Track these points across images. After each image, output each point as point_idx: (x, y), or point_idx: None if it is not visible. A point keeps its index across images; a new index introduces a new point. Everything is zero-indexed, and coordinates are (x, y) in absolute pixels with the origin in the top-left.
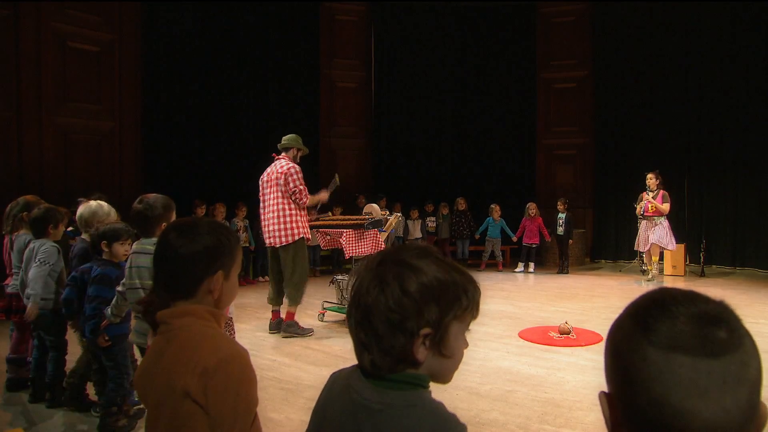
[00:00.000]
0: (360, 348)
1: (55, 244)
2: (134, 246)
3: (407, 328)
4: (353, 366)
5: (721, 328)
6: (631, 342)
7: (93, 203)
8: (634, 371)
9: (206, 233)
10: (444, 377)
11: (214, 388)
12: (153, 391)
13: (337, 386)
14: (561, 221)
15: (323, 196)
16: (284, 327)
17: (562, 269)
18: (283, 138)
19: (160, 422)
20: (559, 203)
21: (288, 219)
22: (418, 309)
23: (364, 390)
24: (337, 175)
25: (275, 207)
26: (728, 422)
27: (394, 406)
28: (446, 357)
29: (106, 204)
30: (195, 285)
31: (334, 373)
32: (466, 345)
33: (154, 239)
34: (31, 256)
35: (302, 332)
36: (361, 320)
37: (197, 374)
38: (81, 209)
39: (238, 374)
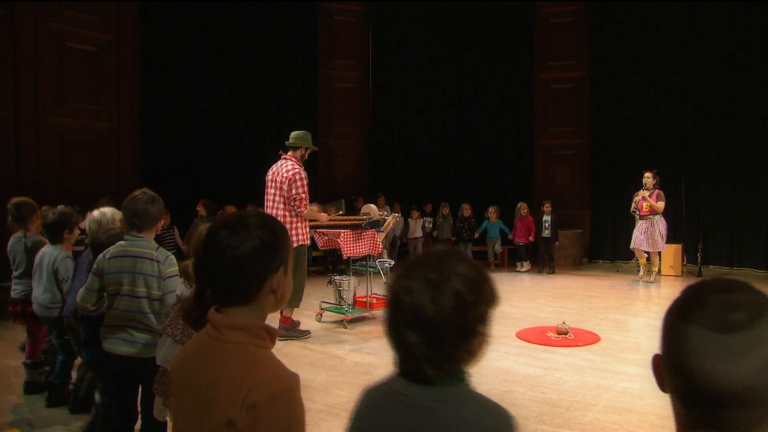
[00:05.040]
0: (419, 354)
1: (69, 255)
2: (132, 248)
3: (478, 331)
4: (386, 377)
5: (741, 312)
6: (671, 315)
7: (96, 213)
8: (668, 338)
9: (258, 227)
10: None
11: (263, 425)
12: (190, 395)
13: (375, 397)
14: (547, 224)
15: (323, 216)
16: (280, 331)
17: (542, 269)
18: (291, 135)
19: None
20: (546, 205)
21: (287, 225)
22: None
23: (410, 391)
24: (343, 201)
25: (275, 212)
26: (748, 388)
27: (444, 401)
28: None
29: (108, 210)
30: (257, 287)
31: (367, 388)
32: None
33: (153, 242)
34: (43, 264)
35: (299, 335)
36: (434, 330)
37: (246, 407)
38: (88, 222)
39: (289, 410)
